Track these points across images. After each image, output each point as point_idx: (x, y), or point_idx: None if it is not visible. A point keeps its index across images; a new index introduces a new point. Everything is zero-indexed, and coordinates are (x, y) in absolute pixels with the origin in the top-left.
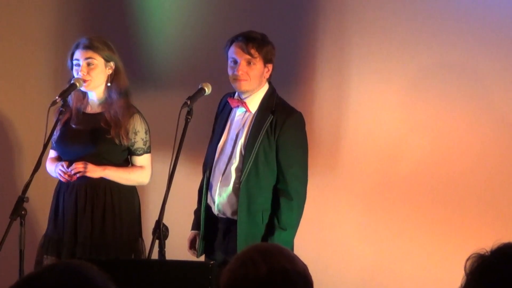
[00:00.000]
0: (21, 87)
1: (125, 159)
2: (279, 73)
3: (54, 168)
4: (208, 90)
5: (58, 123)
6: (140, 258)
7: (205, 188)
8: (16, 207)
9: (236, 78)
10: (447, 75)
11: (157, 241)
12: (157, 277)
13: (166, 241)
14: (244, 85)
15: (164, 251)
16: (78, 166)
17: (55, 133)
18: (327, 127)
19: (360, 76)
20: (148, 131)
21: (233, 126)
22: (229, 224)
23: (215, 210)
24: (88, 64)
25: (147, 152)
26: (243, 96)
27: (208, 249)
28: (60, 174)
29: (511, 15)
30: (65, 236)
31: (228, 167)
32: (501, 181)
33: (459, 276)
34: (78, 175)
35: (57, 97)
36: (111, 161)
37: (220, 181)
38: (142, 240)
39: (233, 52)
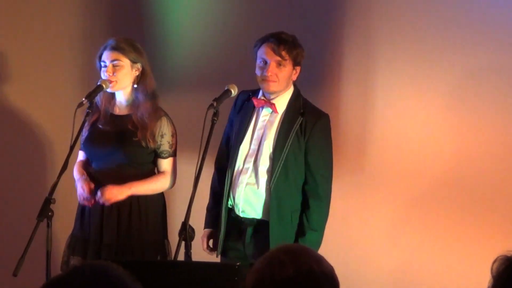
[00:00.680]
0: (48, 89)
1: (151, 161)
2: (306, 75)
3: (76, 180)
4: (234, 91)
5: (86, 124)
6: (166, 260)
7: (227, 189)
8: (43, 209)
9: (264, 79)
10: (473, 80)
11: (183, 243)
12: (183, 279)
13: (192, 243)
14: (272, 86)
15: (190, 253)
16: (105, 198)
17: (83, 133)
18: (353, 130)
19: (387, 79)
20: (174, 134)
21: (258, 126)
22: (254, 225)
23: (239, 210)
24: (114, 66)
25: (172, 156)
26: (271, 97)
27: (224, 249)
28: (80, 197)
29: None
30: (91, 236)
31: (255, 169)
32: None
33: (486, 278)
34: (106, 204)
35: (83, 99)
36: (137, 162)
37: (247, 183)
38: (168, 241)
39: (264, 52)
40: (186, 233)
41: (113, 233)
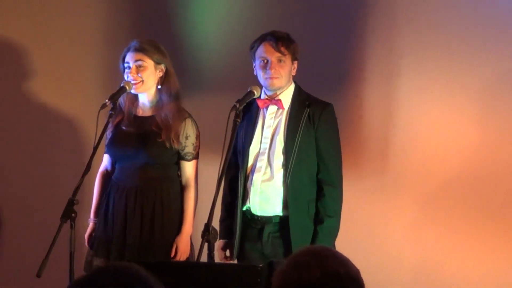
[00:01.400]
0: (72, 91)
1: (175, 163)
2: (328, 77)
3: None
4: (257, 93)
5: (109, 126)
6: (189, 261)
7: (241, 191)
8: (66, 210)
9: (268, 77)
10: (499, 83)
11: (206, 244)
12: (206, 280)
13: (215, 244)
14: (276, 83)
15: (213, 254)
16: (181, 254)
17: (107, 135)
18: (376, 132)
19: (410, 81)
20: (198, 136)
21: (266, 125)
22: (272, 222)
23: (255, 210)
24: (138, 67)
25: (195, 158)
26: (276, 93)
27: (241, 252)
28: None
29: None
30: (114, 237)
31: (269, 165)
32: None
33: (508, 277)
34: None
35: (106, 100)
36: (161, 164)
37: (262, 181)
38: (192, 243)
39: (264, 51)
40: (209, 234)
41: (136, 234)
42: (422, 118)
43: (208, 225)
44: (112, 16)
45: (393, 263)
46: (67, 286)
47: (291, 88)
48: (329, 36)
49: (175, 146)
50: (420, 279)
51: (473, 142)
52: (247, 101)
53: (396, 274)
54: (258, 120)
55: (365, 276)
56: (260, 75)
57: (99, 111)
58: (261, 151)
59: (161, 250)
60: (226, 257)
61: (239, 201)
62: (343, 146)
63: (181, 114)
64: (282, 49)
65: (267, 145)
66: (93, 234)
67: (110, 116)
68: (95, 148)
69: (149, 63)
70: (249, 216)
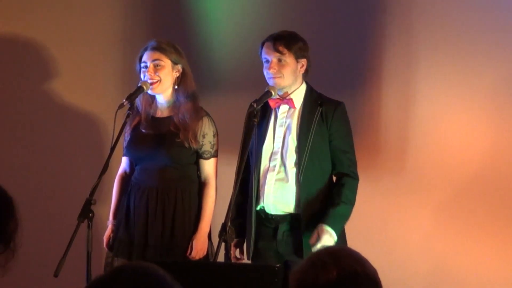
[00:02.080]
0: (89, 91)
1: (194, 162)
2: (346, 76)
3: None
4: (274, 93)
5: (127, 127)
6: (206, 261)
7: (255, 190)
8: (83, 210)
9: (270, 77)
10: None
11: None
12: (223, 280)
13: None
14: (278, 82)
15: (230, 254)
16: (197, 253)
17: (125, 137)
18: (394, 131)
19: (428, 80)
20: (216, 134)
21: (278, 124)
22: (286, 221)
23: (269, 209)
24: (156, 66)
25: (214, 156)
26: (288, 92)
27: (256, 252)
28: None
29: None
30: (136, 238)
31: (283, 164)
32: None
33: None
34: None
35: (124, 100)
36: (181, 164)
37: (275, 179)
38: (211, 243)
39: (265, 52)
40: (226, 234)
41: (158, 234)
42: (440, 120)
43: (225, 225)
44: (129, 16)
45: (410, 263)
46: (85, 286)
47: (303, 87)
48: (346, 37)
49: (193, 145)
50: (437, 279)
51: (491, 144)
52: (264, 101)
53: (411, 276)
54: (270, 119)
55: (381, 276)
56: (265, 76)
57: (116, 111)
58: (274, 150)
59: (181, 250)
60: (236, 256)
61: (253, 201)
62: (360, 148)
63: (198, 113)
64: (281, 48)
65: (280, 144)
66: (111, 236)
67: (128, 116)
68: (113, 148)
69: (166, 62)
70: (263, 216)
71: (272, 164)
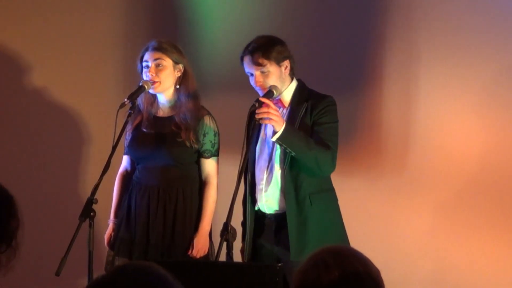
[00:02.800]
0: (90, 90)
1: (195, 162)
2: (347, 76)
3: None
4: (276, 92)
5: (129, 126)
6: (208, 260)
7: (249, 194)
8: (85, 209)
9: (259, 89)
10: None
11: (224, 243)
12: (225, 279)
13: (233, 243)
14: (263, 91)
15: (232, 253)
16: (197, 252)
17: (127, 136)
18: (395, 131)
19: (429, 80)
20: (217, 133)
21: (269, 125)
22: (278, 219)
23: (264, 209)
24: (157, 65)
25: (215, 155)
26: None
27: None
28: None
29: None
30: (137, 237)
31: (271, 162)
32: None
33: None
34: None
35: (125, 99)
36: (182, 163)
37: (265, 178)
38: (212, 242)
39: (246, 67)
40: (228, 233)
41: (159, 233)
42: (441, 120)
43: (227, 224)
44: (130, 17)
45: (410, 263)
46: (87, 285)
47: (292, 86)
48: (347, 37)
49: (195, 145)
50: (439, 279)
51: (492, 144)
52: (267, 99)
53: (413, 274)
54: None
55: (383, 276)
56: (254, 88)
57: (118, 111)
58: (265, 150)
59: (182, 249)
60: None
61: (249, 202)
62: (361, 148)
63: (200, 112)
64: (260, 61)
65: (271, 144)
66: (112, 235)
67: (129, 115)
68: (114, 147)
69: (168, 62)
70: (261, 215)
71: (262, 163)
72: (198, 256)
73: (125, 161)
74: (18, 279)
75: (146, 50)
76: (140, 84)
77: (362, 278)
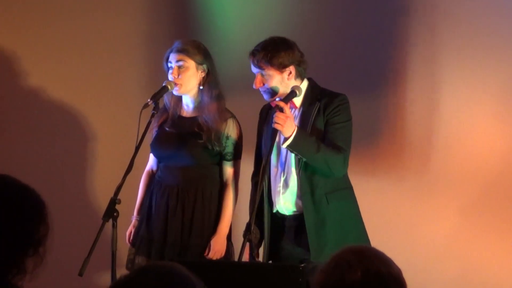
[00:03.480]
0: (114, 90)
1: (216, 163)
2: (370, 78)
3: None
4: (299, 92)
5: (154, 124)
6: (230, 260)
7: (266, 196)
8: (108, 209)
9: (261, 91)
10: None
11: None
12: (247, 280)
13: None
14: (266, 95)
15: (255, 254)
16: (215, 254)
17: (152, 135)
18: (418, 132)
19: (452, 81)
20: (240, 137)
21: None
22: (297, 220)
23: (283, 211)
24: (179, 67)
25: (237, 158)
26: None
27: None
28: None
29: None
30: (155, 236)
31: (286, 164)
32: None
33: None
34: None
35: (149, 100)
36: (203, 165)
37: (282, 181)
38: (231, 244)
39: (252, 67)
40: (251, 234)
41: (177, 233)
42: (464, 120)
43: (249, 225)
44: (153, 16)
45: (433, 265)
46: (110, 285)
47: (303, 86)
48: (370, 39)
49: (216, 147)
50: (463, 280)
51: None
52: (290, 100)
53: (436, 277)
54: None
55: (405, 277)
56: None
57: (141, 111)
58: (281, 152)
59: (199, 249)
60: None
61: (266, 204)
62: (384, 149)
63: (223, 115)
64: (260, 64)
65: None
66: (133, 231)
67: (152, 115)
68: (137, 148)
69: (190, 64)
70: (279, 216)
71: (280, 166)
72: (214, 258)
73: (151, 159)
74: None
75: (171, 51)
76: (164, 84)
77: (385, 278)
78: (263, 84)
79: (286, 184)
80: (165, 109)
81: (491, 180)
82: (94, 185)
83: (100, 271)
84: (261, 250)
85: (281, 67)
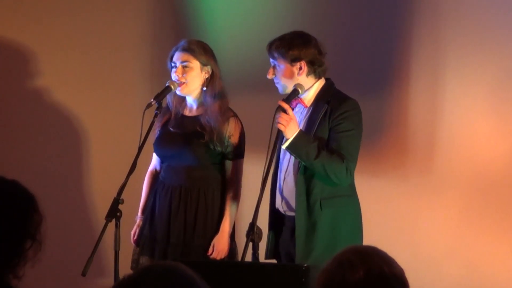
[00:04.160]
0: (116, 91)
1: (219, 163)
2: (374, 77)
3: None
4: (301, 91)
5: (157, 124)
6: (233, 260)
7: (270, 194)
8: (111, 209)
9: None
10: None
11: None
12: (250, 280)
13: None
14: (279, 88)
15: (258, 254)
16: (218, 253)
17: (155, 135)
18: (421, 131)
19: (456, 80)
20: (242, 135)
21: None
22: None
23: (283, 209)
24: (184, 67)
25: (239, 157)
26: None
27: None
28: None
29: None
30: (158, 235)
31: (289, 164)
32: None
33: None
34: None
35: (152, 100)
36: (205, 164)
37: (284, 180)
38: (235, 243)
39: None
40: (254, 234)
41: (179, 233)
42: (467, 119)
43: (253, 225)
44: (156, 16)
45: (436, 265)
46: (113, 285)
47: (316, 85)
48: (374, 38)
49: (219, 147)
50: (465, 281)
51: None
52: (292, 99)
53: (438, 277)
54: None
55: (407, 277)
56: None
57: (144, 111)
58: (286, 151)
59: (202, 249)
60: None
61: (270, 203)
62: (387, 148)
63: (225, 114)
64: (274, 54)
65: None
66: (137, 231)
67: (156, 115)
68: (140, 148)
69: (195, 64)
70: (280, 216)
71: (284, 165)
72: (218, 258)
73: (154, 159)
74: (45, 280)
75: (176, 50)
76: (167, 84)
77: (387, 278)
78: (275, 75)
79: (286, 184)
80: (168, 109)
81: (495, 180)
82: (97, 185)
83: (103, 271)
84: (262, 247)
85: (292, 61)
